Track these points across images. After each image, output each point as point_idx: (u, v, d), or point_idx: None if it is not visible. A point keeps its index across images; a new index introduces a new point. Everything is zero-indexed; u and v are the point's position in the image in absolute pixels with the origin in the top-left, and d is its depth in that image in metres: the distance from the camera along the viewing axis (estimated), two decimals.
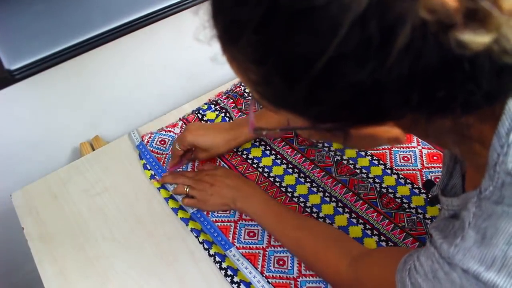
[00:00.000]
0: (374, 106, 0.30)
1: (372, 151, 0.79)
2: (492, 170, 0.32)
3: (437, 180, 0.47)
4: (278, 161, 0.79)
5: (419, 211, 0.69)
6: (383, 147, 0.79)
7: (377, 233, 0.67)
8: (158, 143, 0.83)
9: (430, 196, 0.48)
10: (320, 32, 0.26)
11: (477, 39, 0.25)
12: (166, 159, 0.81)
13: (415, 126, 0.35)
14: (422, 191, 0.72)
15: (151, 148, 0.82)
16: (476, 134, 0.35)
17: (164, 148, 0.82)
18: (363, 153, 0.79)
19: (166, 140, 0.84)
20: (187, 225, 0.70)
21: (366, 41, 0.25)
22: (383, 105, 0.29)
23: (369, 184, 0.74)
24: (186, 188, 0.73)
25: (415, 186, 0.73)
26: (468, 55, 0.25)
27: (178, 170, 0.79)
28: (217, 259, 0.65)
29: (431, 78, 0.27)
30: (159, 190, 0.76)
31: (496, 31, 0.25)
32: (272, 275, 0.64)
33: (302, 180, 0.75)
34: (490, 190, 0.32)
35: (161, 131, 0.85)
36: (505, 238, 0.31)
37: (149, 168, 0.79)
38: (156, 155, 0.81)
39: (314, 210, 0.71)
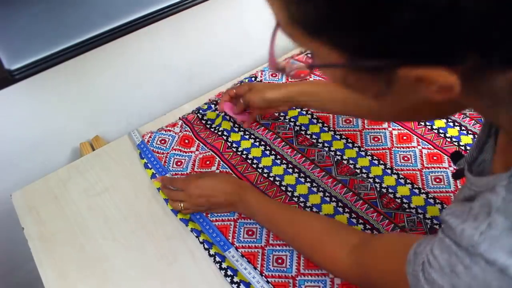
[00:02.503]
0: (441, 38, 0.24)
1: (372, 151, 0.79)
2: None
3: (466, 152, 0.44)
4: (278, 161, 0.79)
5: (419, 211, 0.69)
6: (383, 146, 0.79)
7: (377, 233, 0.67)
8: (158, 142, 0.83)
9: (455, 169, 0.44)
10: None
11: None
12: (166, 158, 0.81)
13: (470, 79, 0.28)
14: (422, 191, 0.72)
15: (152, 148, 0.82)
16: None
17: (164, 148, 0.82)
18: (363, 153, 0.79)
19: (166, 140, 0.84)
20: (187, 225, 0.70)
21: None
22: (453, 38, 0.24)
23: (369, 184, 0.74)
24: (180, 204, 0.70)
25: (415, 186, 0.73)
26: None
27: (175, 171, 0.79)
28: (217, 259, 0.65)
29: None
30: (159, 190, 0.76)
31: None
32: (271, 274, 0.64)
33: (302, 180, 0.75)
34: None
35: (161, 131, 0.85)
36: None
37: (150, 167, 0.79)
38: (157, 155, 0.81)
39: (314, 210, 0.71)
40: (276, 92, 0.74)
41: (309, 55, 0.83)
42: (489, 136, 0.41)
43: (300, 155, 0.79)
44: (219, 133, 0.85)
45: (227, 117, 0.87)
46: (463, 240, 0.32)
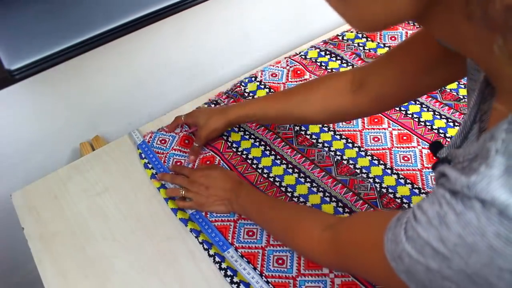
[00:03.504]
0: None
1: (372, 151, 0.79)
2: None
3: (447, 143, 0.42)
4: (278, 161, 0.79)
5: None
6: (383, 146, 0.79)
7: None
8: (158, 142, 0.83)
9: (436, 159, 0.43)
10: None
11: None
12: (166, 158, 0.81)
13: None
14: (422, 191, 0.72)
15: (152, 148, 0.82)
16: None
17: (165, 148, 0.82)
18: (363, 153, 0.79)
19: (167, 140, 0.84)
20: (186, 225, 0.70)
21: None
22: None
23: (369, 184, 0.74)
24: (182, 191, 0.73)
25: (415, 186, 0.73)
26: None
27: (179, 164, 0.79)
28: (217, 259, 0.65)
29: None
30: (159, 190, 0.76)
31: None
32: (272, 275, 0.64)
33: (302, 180, 0.75)
34: None
35: (161, 131, 0.85)
36: None
37: (150, 167, 0.79)
38: (157, 155, 0.81)
39: None
40: (217, 122, 0.78)
41: None
42: (475, 122, 0.39)
43: (300, 155, 0.79)
44: (221, 137, 0.84)
45: None
46: (458, 184, 0.30)
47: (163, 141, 0.84)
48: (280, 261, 0.65)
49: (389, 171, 0.76)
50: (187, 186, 0.73)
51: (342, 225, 0.52)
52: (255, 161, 0.79)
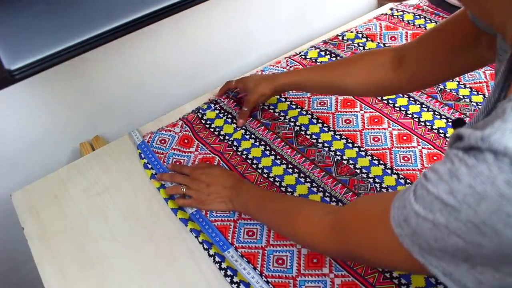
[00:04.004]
0: None
1: (372, 151, 0.79)
2: None
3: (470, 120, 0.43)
4: (278, 161, 0.79)
5: None
6: (384, 146, 0.79)
7: None
8: (158, 142, 0.83)
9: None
10: None
11: None
12: (166, 158, 0.81)
13: None
14: None
15: (152, 148, 0.82)
16: None
17: (164, 148, 0.82)
18: (363, 153, 0.79)
19: (166, 140, 0.84)
20: (186, 225, 0.70)
21: None
22: None
23: (369, 184, 0.74)
24: (182, 188, 0.73)
25: None
26: None
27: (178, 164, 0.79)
28: (217, 259, 0.65)
29: None
30: (159, 190, 0.76)
31: None
32: (272, 275, 0.64)
33: (302, 180, 0.75)
34: None
35: (161, 131, 0.85)
36: None
37: (150, 167, 0.79)
38: (157, 155, 0.81)
39: None
40: (265, 88, 0.83)
41: None
42: (498, 100, 0.39)
43: (300, 155, 0.79)
44: (221, 137, 0.85)
45: (229, 121, 0.87)
46: (472, 138, 0.30)
47: (162, 141, 0.84)
48: (280, 261, 0.65)
49: (389, 171, 0.76)
50: (188, 183, 0.73)
51: (344, 207, 0.53)
52: (255, 161, 0.79)
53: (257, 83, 0.83)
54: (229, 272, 0.64)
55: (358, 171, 0.76)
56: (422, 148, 0.79)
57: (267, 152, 0.81)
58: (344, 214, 0.52)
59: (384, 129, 0.83)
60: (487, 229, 0.29)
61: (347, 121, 0.85)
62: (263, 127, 0.85)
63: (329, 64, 0.79)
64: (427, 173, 0.34)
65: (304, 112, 0.88)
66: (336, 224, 0.52)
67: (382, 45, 1.02)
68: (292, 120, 0.86)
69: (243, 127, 0.85)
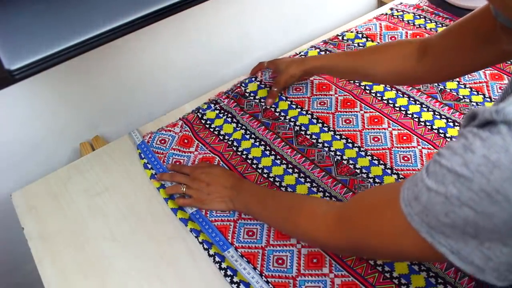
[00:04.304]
0: None
1: (372, 151, 0.79)
2: None
3: None
4: (278, 161, 0.79)
5: None
6: (384, 146, 0.79)
7: None
8: (158, 142, 0.83)
9: None
10: None
11: None
12: (166, 158, 0.81)
13: None
14: None
15: (152, 148, 0.82)
16: None
17: (164, 148, 0.82)
18: (363, 153, 0.79)
19: (166, 140, 0.84)
20: (186, 225, 0.70)
21: None
22: None
23: (369, 184, 0.74)
24: (183, 188, 0.73)
25: None
26: None
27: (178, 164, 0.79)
28: (217, 259, 0.65)
29: None
30: (159, 190, 0.76)
31: None
32: (272, 274, 0.64)
33: (302, 180, 0.75)
34: None
35: (161, 131, 0.85)
36: None
37: (149, 167, 0.79)
38: (157, 155, 0.81)
39: None
40: (295, 70, 0.87)
41: None
42: None
43: (300, 155, 0.79)
44: (221, 136, 0.85)
45: (229, 120, 0.87)
46: (486, 112, 0.31)
47: (162, 141, 0.84)
48: (280, 261, 0.65)
49: (389, 171, 0.76)
50: (188, 183, 0.73)
51: (349, 200, 0.53)
52: (255, 161, 0.79)
53: (288, 64, 0.87)
54: (229, 272, 0.64)
55: (358, 171, 0.76)
56: (422, 148, 0.79)
57: (267, 152, 0.81)
58: (350, 206, 0.52)
59: (384, 129, 0.83)
60: (500, 197, 0.30)
61: (347, 121, 0.85)
62: (263, 127, 0.85)
63: (356, 51, 0.82)
64: (441, 150, 0.35)
65: (304, 112, 0.88)
66: (341, 217, 0.51)
67: None
68: (292, 120, 0.86)
69: (243, 127, 0.85)
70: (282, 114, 0.88)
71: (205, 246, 0.67)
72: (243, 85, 0.94)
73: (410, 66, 0.70)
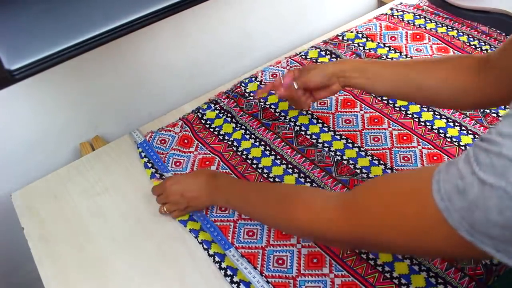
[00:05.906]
0: None
1: (372, 151, 0.79)
2: None
3: None
4: (278, 161, 0.79)
5: None
6: (384, 146, 0.79)
7: None
8: (158, 142, 0.83)
9: None
10: None
11: None
12: (166, 158, 0.81)
13: None
14: None
15: (153, 147, 0.82)
16: None
17: (164, 148, 0.82)
18: (363, 153, 0.79)
19: (166, 140, 0.84)
20: (185, 226, 0.70)
21: None
22: None
23: None
24: (163, 208, 0.71)
25: None
26: None
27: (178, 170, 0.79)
28: (217, 259, 0.65)
29: None
30: None
31: None
32: (272, 275, 0.64)
33: (302, 180, 0.75)
34: None
35: (161, 131, 0.85)
36: None
37: (150, 166, 0.79)
38: (158, 155, 0.81)
39: None
40: (331, 68, 0.71)
41: None
42: None
43: (300, 155, 0.79)
44: (220, 136, 0.85)
45: (229, 120, 0.87)
46: None
47: (162, 141, 0.84)
48: (280, 261, 0.65)
49: (389, 171, 0.76)
50: (165, 200, 0.71)
51: (357, 189, 0.48)
52: (255, 161, 0.79)
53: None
54: (229, 272, 0.64)
55: (358, 171, 0.76)
56: (422, 148, 0.79)
57: (267, 152, 0.81)
58: (360, 195, 0.47)
59: (384, 129, 0.83)
60: None
61: (347, 121, 0.85)
62: (263, 127, 0.85)
63: (400, 62, 0.69)
64: (492, 137, 0.31)
65: (304, 112, 0.88)
66: (348, 206, 0.47)
67: (382, 45, 1.02)
68: (292, 120, 0.86)
69: (243, 127, 0.85)
70: (282, 114, 0.88)
71: (205, 246, 0.67)
72: (243, 85, 0.94)
73: (470, 79, 0.61)
